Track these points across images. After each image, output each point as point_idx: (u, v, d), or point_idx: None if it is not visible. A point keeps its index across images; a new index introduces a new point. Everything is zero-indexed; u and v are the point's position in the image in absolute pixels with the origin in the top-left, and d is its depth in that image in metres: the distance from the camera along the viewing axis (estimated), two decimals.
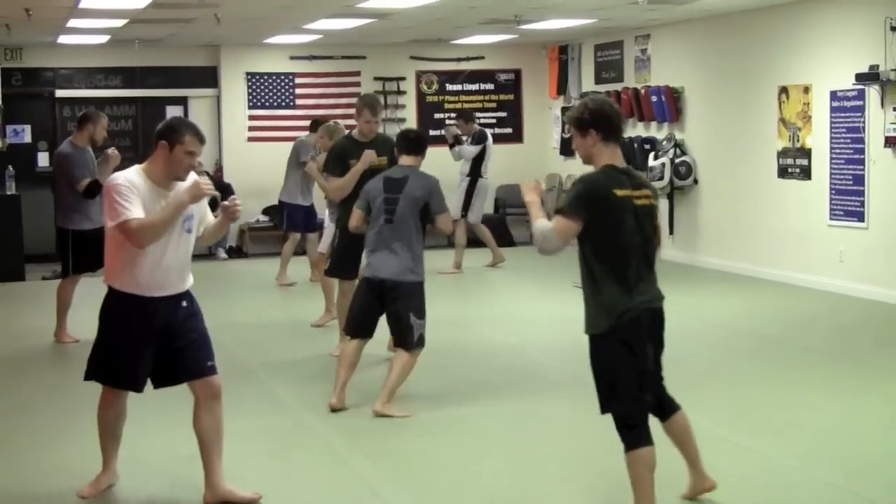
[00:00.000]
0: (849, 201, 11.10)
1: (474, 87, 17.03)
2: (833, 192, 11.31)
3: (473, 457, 6.10)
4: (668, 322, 4.85)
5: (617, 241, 4.62)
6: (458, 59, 16.84)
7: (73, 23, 12.73)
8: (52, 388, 7.86)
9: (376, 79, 16.39)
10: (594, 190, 4.67)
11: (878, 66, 10.47)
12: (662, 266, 4.96)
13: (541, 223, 4.68)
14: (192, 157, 5.10)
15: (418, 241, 6.92)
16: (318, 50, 16.11)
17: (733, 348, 8.88)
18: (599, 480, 5.59)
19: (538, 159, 16.92)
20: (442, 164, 11.61)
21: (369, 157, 8.01)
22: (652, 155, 13.89)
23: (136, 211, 4.93)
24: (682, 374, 5.89)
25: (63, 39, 14.59)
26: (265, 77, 16.14)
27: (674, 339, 5.12)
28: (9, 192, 13.42)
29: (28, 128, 15.71)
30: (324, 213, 10.49)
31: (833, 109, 11.24)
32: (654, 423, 4.78)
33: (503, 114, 17.16)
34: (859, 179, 10.95)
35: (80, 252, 9.18)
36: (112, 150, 9.18)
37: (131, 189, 4.98)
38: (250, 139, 16.10)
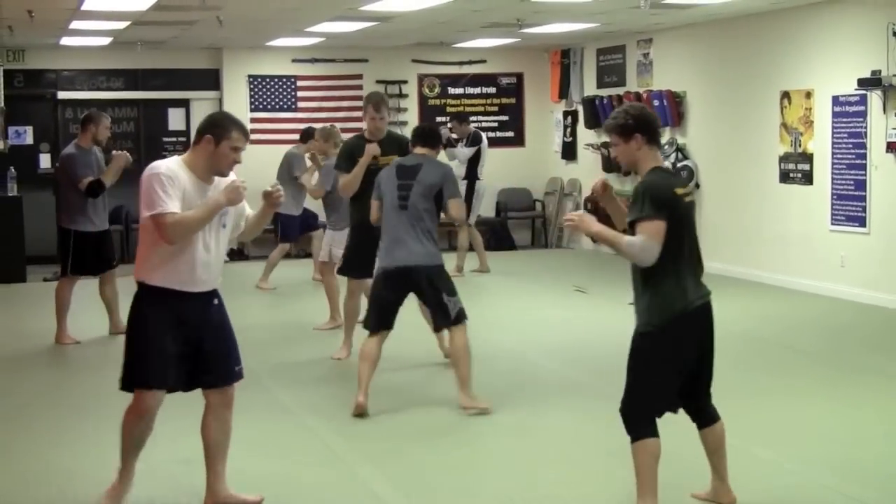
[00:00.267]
0: (850, 206, 11.10)
1: (476, 90, 17.03)
2: (835, 197, 11.31)
3: (475, 460, 6.10)
4: None
5: (681, 240, 4.78)
6: (461, 63, 16.84)
7: (75, 25, 12.74)
8: (52, 390, 7.86)
9: (378, 82, 16.38)
10: (662, 191, 4.78)
11: (880, 72, 10.47)
12: None
13: (629, 240, 4.75)
14: (238, 152, 4.96)
15: (433, 225, 6.94)
16: (321, 53, 16.12)
17: (734, 352, 8.86)
18: (601, 484, 5.59)
19: (540, 163, 16.93)
20: None
21: (372, 150, 8.01)
22: None
23: (173, 204, 4.75)
24: None
25: (65, 41, 14.60)
26: (267, 80, 16.15)
27: None
28: (10, 194, 13.43)
29: (30, 129, 15.71)
30: (324, 214, 10.45)
31: (835, 114, 11.24)
32: (664, 425, 4.79)
33: (505, 117, 17.16)
34: (861, 184, 10.95)
35: (80, 253, 9.21)
36: (123, 152, 9.18)
37: (173, 181, 4.79)
38: (252, 142, 15.96)
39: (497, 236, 16.21)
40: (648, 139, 4.86)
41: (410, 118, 16.54)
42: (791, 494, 5.46)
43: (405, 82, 16.71)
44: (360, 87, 16.16)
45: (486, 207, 15.14)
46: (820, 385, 7.74)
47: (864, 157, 10.89)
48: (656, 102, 14.07)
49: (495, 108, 17.13)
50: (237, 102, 16.00)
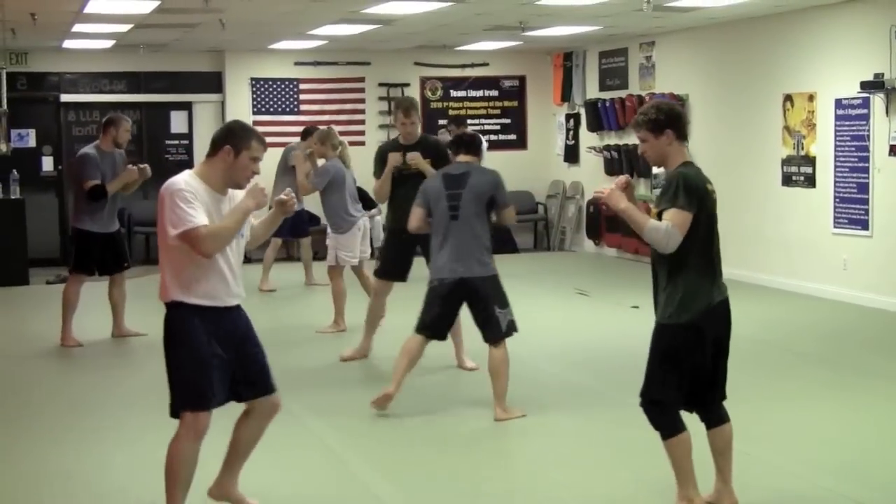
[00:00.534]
0: (853, 209, 11.10)
1: (478, 93, 17.04)
2: (837, 200, 11.31)
3: (475, 463, 6.10)
4: None
5: (710, 235, 4.85)
6: (463, 66, 16.84)
7: (78, 28, 12.75)
8: (54, 393, 7.86)
9: (381, 85, 16.40)
10: (695, 184, 4.83)
11: (882, 75, 10.47)
12: None
13: (654, 224, 4.77)
14: (256, 163, 4.80)
15: (486, 233, 6.90)
16: (323, 56, 16.12)
17: (736, 355, 8.75)
18: (602, 487, 5.59)
19: (542, 166, 16.94)
20: None
21: (395, 159, 8.10)
22: None
23: (201, 217, 4.61)
24: None
25: (68, 44, 14.61)
26: (269, 83, 16.15)
27: None
28: (13, 197, 13.45)
29: (32, 132, 15.72)
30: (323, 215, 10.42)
31: (838, 117, 11.24)
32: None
33: (507, 120, 17.16)
34: (864, 188, 10.94)
35: (83, 253, 9.26)
36: (135, 168, 9.12)
37: (195, 195, 4.65)
38: None
39: (499, 239, 16.16)
40: (678, 135, 4.92)
41: None
42: (793, 498, 5.45)
43: (407, 85, 16.69)
44: (362, 90, 16.19)
45: None
46: (822, 388, 7.73)
47: (866, 160, 10.89)
48: None
49: (497, 111, 17.13)
50: (239, 105, 16.00)
